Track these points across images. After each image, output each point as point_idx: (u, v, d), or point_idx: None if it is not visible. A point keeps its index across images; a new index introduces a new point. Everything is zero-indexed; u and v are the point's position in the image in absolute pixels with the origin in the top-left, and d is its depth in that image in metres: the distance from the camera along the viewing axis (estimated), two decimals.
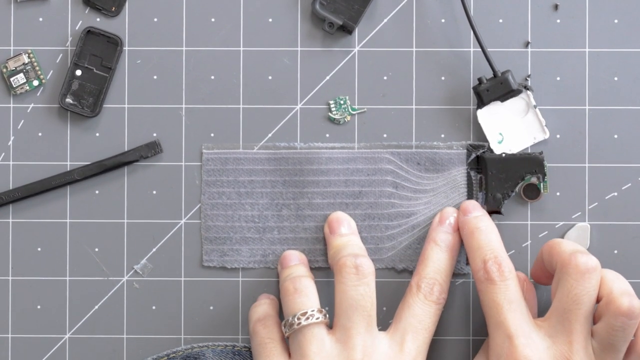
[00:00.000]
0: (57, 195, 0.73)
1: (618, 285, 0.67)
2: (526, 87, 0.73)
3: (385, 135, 0.73)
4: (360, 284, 0.68)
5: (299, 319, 0.68)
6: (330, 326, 0.69)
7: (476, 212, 0.71)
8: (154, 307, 0.73)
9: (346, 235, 0.72)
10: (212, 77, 0.73)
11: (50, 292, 0.73)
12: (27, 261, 0.73)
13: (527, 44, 0.73)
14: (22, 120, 0.73)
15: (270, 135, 0.74)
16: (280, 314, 0.72)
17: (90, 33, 0.73)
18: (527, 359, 0.66)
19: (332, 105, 0.73)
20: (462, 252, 0.73)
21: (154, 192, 0.73)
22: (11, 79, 0.73)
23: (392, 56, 0.73)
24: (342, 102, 0.73)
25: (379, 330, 0.70)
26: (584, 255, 0.67)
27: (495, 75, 0.72)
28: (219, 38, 0.73)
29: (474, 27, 0.72)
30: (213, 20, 0.74)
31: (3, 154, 0.73)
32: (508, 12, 0.73)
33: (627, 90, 0.73)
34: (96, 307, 0.74)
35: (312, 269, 0.73)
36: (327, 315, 0.69)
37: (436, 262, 0.71)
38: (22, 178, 0.73)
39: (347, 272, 0.68)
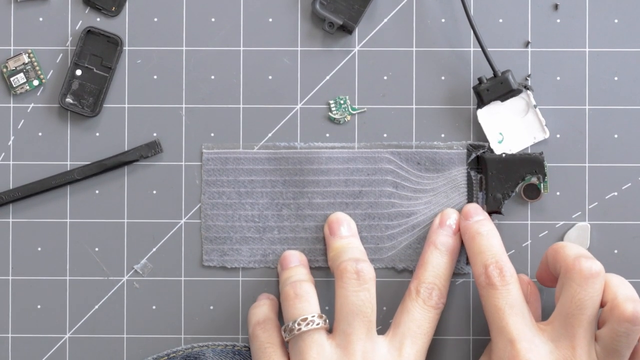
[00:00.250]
0: (57, 195, 0.73)
1: (623, 290, 0.67)
2: (526, 87, 0.73)
3: (385, 135, 0.73)
4: (361, 290, 0.68)
5: (299, 324, 0.68)
6: (330, 330, 0.69)
7: (478, 216, 0.71)
8: (154, 307, 0.73)
9: (346, 237, 0.72)
10: (212, 77, 0.73)
11: (51, 292, 0.73)
12: (27, 261, 0.73)
13: (527, 44, 0.73)
14: (22, 120, 0.73)
15: (270, 135, 0.74)
16: (280, 315, 0.72)
17: (90, 33, 0.73)
18: None
19: (332, 105, 0.73)
20: (462, 252, 0.73)
21: (154, 191, 0.73)
22: (11, 79, 0.73)
23: (392, 56, 0.73)
24: (342, 101, 0.73)
25: (378, 330, 0.70)
26: (588, 260, 0.67)
27: (495, 75, 0.72)
28: (219, 38, 0.73)
29: (474, 27, 0.72)
30: (213, 20, 0.74)
31: (3, 153, 0.73)
32: (508, 12, 0.73)
33: (627, 90, 0.73)
34: (96, 306, 0.74)
35: (312, 269, 0.73)
36: (327, 321, 0.69)
37: (436, 267, 0.71)
38: (22, 178, 0.73)
39: (348, 278, 0.68)
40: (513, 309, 0.67)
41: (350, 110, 0.73)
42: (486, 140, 0.73)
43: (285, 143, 0.73)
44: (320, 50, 0.74)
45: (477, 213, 0.72)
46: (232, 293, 0.73)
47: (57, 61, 0.74)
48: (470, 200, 0.73)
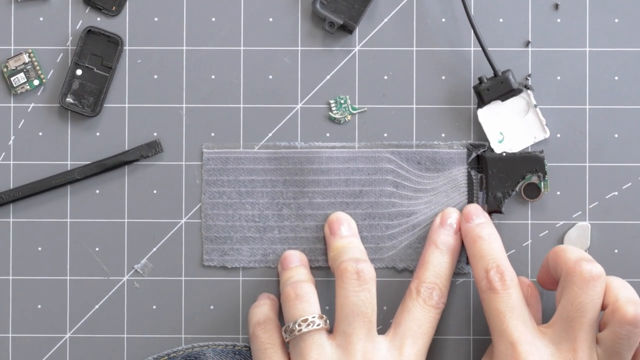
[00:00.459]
0: (58, 195, 0.73)
1: (624, 293, 0.67)
2: (526, 87, 0.73)
3: (385, 135, 0.73)
4: (361, 290, 0.68)
5: (299, 325, 0.68)
6: (330, 331, 0.69)
7: (478, 218, 0.71)
8: (154, 307, 0.73)
9: (347, 237, 0.72)
10: (213, 77, 0.73)
11: (51, 292, 0.73)
12: (28, 261, 0.73)
13: (527, 44, 0.73)
14: (23, 120, 0.73)
15: (270, 134, 0.74)
16: (280, 315, 0.72)
17: (90, 32, 0.73)
18: None
19: (332, 105, 0.73)
20: (462, 252, 0.73)
21: (155, 191, 0.73)
22: (12, 79, 0.73)
23: (393, 56, 0.73)
24: (342, 101, 0.73)
25: (379, 330, 0.70)
26: (589, 263, 0.67)
27: (495, 74, 0.72)
28: (220, 37, 0.73)
29: (474, 26, 0.72)
30: (213, 19, 0.74)
31: (3, 153, 0.73)
32: (508, 12, 0.73)
33: (628, 90, 0.73)
34: (96, 306, 0.73)
35: (312, 269, 0.73)
36: (328, 321, 0.69)
37: (436, 267, 0.71)
38: (23, 178, 0.73)
39: (349, 278, 0.68)
40: (514, 312, 0.67)
41: (350, 109, 0.74)
42: (486, 140, 0.73)
43: (285, 143, 0.73)
44: (321, 50, 0.74)
45: (477, 215, 0.71)
46: (232, 293, 0.73)
47: (58, 61, 0.74)
48: (470, 199, 0.73)
